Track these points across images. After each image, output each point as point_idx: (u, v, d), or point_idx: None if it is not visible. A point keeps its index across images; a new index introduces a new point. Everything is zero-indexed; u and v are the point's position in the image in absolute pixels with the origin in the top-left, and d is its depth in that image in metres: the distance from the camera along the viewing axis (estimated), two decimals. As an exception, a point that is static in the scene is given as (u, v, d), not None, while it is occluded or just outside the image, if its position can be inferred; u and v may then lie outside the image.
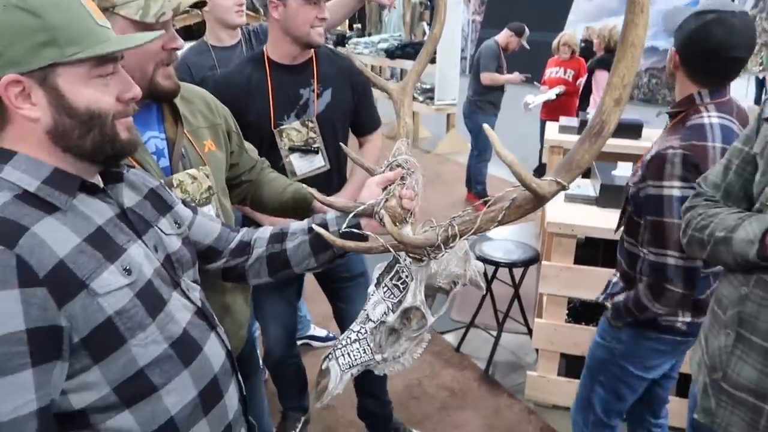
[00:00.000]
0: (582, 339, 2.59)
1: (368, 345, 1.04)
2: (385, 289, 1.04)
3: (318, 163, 1.98)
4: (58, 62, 0.79)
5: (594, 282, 2.26)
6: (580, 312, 2.77)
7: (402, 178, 1.08)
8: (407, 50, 7.66)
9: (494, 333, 3.03)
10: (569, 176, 0.86)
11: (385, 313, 1.03)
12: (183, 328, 0.94)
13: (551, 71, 5.48)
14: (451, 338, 3.25)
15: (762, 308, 1.12)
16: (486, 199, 0.98)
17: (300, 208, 1.55)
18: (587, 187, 2.78)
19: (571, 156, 0.85)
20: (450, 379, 2.92)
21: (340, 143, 1.38)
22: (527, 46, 5.32)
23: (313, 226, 1.07)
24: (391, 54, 7.88)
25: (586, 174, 3.50)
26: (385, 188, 1.08)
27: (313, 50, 1.94)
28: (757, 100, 8.31)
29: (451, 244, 0.97)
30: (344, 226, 1.08)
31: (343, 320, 2.22)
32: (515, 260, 2.91)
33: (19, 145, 0.83)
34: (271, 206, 1.62)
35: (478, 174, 5.38)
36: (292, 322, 2.22)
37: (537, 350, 2.87)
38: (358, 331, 1.04)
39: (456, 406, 2.73)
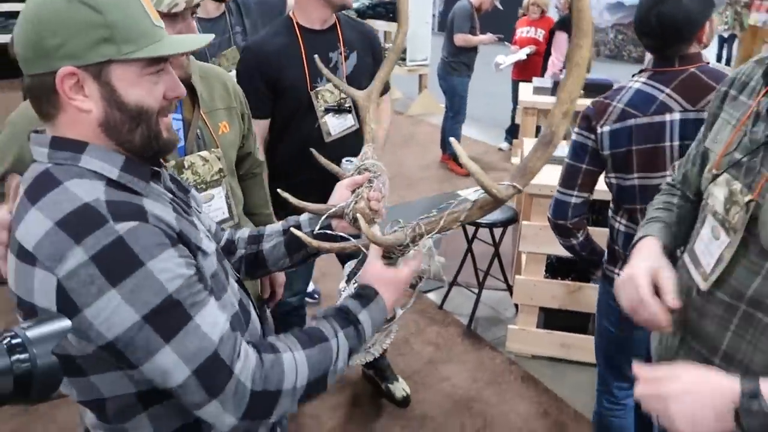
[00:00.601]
0: (559, 293, 2.74)
1: None
2: (356, 284, 1.11)
3: (349, 122, 2.08)
4: (114, 59, 0.81)
5: (572, 240, 2.39)
6: (557, 267, 2.91)
7: (369, 181, 1.16)
8: (378, 10, 7.58)
9: (475, 290, 3.17)
10: (524, 181, 0.94)
11: None
12: (238, 294, 1.01)
13: (522, 31, 5.51)
14: (434, 297, 3.39)
15: (702, 318, 1.07)
16: (450, 202, 1.05)
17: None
18: (564, 148, 2.88)
19: (526, 163, 0.94)
20: (435, 335, 3.06)
21: (314, 151, 1.41)
22: (500, 7, 5.33)
23: (291, 228, 1.13)
24: (362, 14, 7.74)
25: (564, 136, 3.60)
26: (353, 191, 1.16)
27: (335, 15, 2.02)
28: (718, 58, 8.56)
29: (417, 242, 1.04)
30: (317, 227, 1.15)
31: None
32: (495, 220, 3.02)
33: (80, 136, 0.85)
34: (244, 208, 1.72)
35: (453, 135, 5.41)
36: (309, 276, 2.36)
37: (516, 305, 3.02)
38: None
39: (442, 360, 2.87)
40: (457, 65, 5.22)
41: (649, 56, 1.65)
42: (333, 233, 1.15)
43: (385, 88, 2.24)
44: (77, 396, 0.89)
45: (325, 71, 1.35)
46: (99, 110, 0.83)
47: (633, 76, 1.65)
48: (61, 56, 0.79)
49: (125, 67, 0.83)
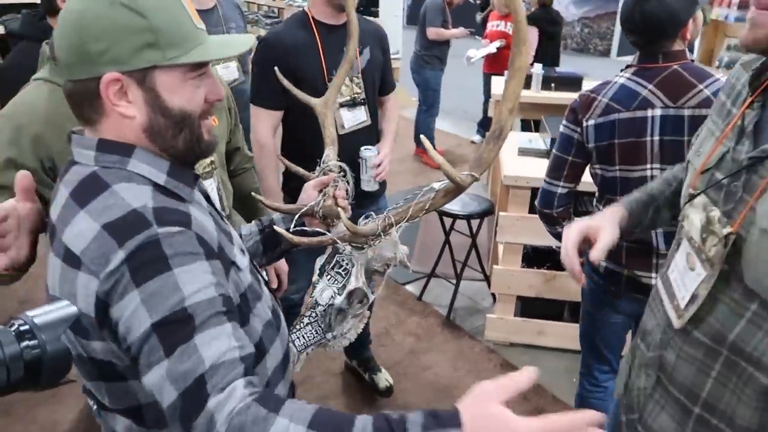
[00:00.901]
0: (536, 281, 2.82)
1: (319, 326, 1.18)
2: (329, 277, 1.18)
3: (362, 117, 2.10)
4: (159, 65, 0.80)
5: (548, 229, 2.46)
6: (532, 257, 2.99)
7: (334, 181, 1.23)
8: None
9: (453, 281, 3.22)
10: (480, 170, 1.06)
11: (332, 296, 1.16)
12: (270, 301, 1.02)
13: (492, 25, 5.58)
14: (413, 288, 3.44)
15: (680, 360, 0.97)
16: (416, 192, 1.13)
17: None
18: (538, 141, 2.96)
19: (480, 155, 1.06)
20: (415, 326, 3.12)
21: (280, 157, 1.46)
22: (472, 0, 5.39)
23: (274, 227, 1.18)
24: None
25: (537, 128, 3.69)
26: (320, 191, 1.22)
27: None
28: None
29: (388, 232, 1.13)
30: (292, 225, 1.20)
31: None
32: (472, 212, 3.07)
33: (123, 141, 0.83)
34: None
35: (426, 129, 5.47)
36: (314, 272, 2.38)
37: (493, 295, 3.09)
38: (309, 316, 1.18)
39: (422, 350, 2.93)
40: (429, 59, 5.27)
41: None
42: (307, 229, 1.21)
43: (391, 87, 2.29)
44: (112, 404, 0.87)
45: (286, 82, 1.39)
46: (143, 116, 0.82)
47: (621, 71, 1.71)
48: (105, 62, 0.78)
49: (169, 72, 0.81)
